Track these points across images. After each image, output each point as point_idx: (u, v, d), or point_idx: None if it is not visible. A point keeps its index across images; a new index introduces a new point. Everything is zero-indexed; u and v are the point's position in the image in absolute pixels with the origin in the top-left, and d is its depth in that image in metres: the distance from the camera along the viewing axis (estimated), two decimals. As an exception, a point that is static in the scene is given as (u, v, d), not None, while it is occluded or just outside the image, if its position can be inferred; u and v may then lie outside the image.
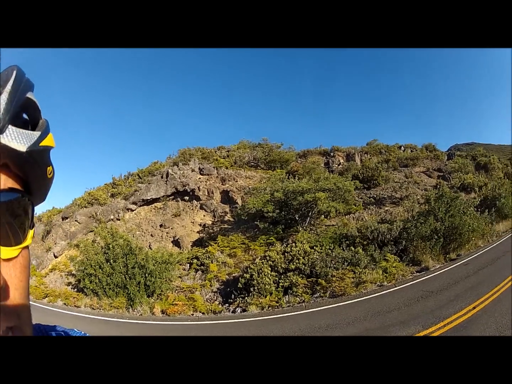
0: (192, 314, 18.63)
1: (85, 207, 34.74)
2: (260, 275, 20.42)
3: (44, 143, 0.93)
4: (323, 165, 51.35)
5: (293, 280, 19.87)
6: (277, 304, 18.21)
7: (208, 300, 21.17)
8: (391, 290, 17.63)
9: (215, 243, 28.57)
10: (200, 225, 34.58)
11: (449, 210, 24.41)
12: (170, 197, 37.85)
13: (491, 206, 32.39)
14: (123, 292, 20.29)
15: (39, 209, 40.45)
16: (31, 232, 0.95)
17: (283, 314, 16.55)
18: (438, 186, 38.86)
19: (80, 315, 18.93)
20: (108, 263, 20.70)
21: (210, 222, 34.92)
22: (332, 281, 18.85)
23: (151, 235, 32.57)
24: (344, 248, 22.39)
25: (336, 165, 51.10)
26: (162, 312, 19.01)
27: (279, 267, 21.27)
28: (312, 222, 30.22)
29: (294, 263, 21.24)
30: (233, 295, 20.57)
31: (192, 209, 36.77)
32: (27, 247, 0.94)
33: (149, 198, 36.33)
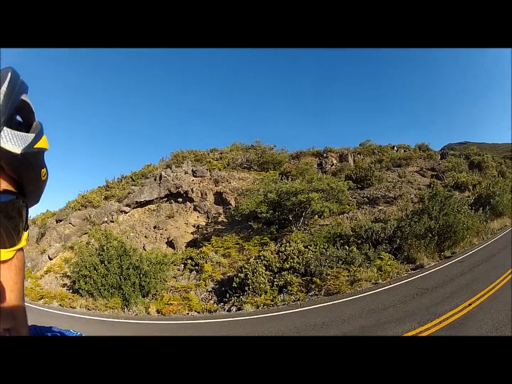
0: (188, 313, 18.64)
1: (79, 209, 34.66)
2: (255, 274, 20.49)
3: (38, 145, 0.94)
4: (316, 166, 51.55)
5: (288, 279, 19.91)
6: (272, 303, 18.25)
7: (203, 300, 21.19)
8: (386, 287, 17.72)
9: (209, 243, 28.63)
10: (194, 226, 34.67)
11: (443, 209, 24.56)
12: (163, 199, 37.88)
13: (486, 204, 32.56)
14: (118, 293, 20.27)
15: (33, 212, 40.32)
16: (25, 234, 0.96)
17: (278, 313, 16.58)
18: (432, 185, 39.11)
19: (76, 316, 18.92)
20: (103, 264, 20.71)
21: (204, 223, 35.01)
22: (327, 280, 18.94)
23: (145, 236, 32.59)
24: (338, 247, 22.49)
25: (329, 166, 51.35)
26: (157, 311, 19.01)
27: (274, 267, 21.34)
28: (306, 222, 30.39)
29: (289, 262, 21.31)
30: (228, 294, 20.59)
31: (186, 211, 36.86)
32: (21, 249, 0.94)
33: (142, 200, 36.32)
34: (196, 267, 25.59)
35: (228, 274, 23.60)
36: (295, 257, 21.53)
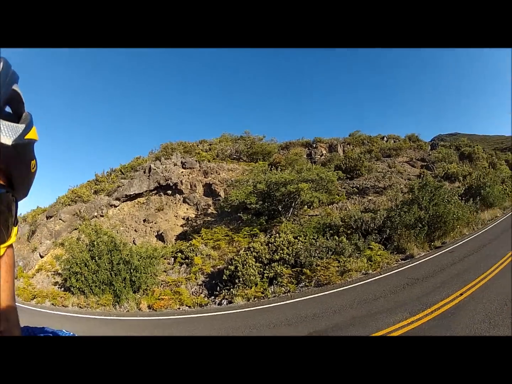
0: (179, 308, 18.64)
1: (69, 205, 34.49)
2: (245, 266, 20.52)
3: (28, 136, 0.92)
4: (305, 156, 51.45)
5: (278, 271, 19.96)
6: (263, 295, 18.29)
7: (194, 293, 21.19)
8: (377, 278, 17.75)
9: (199, 236, 28.67)
10: (183, 218, 34.61)
11: (433, 199, 24.72)
12: (153, 192, 37.78)
13: (476, 195, 32.78)
14: (109, 289, 20.22)
15: (24, 209, 40.27)
16: (15, 230, 0.94)
17: (269, 305, 16.58)
18: (422, 176, 39.30)
19: (68, 315, 18.85)
20: (93, 260, 20.60)
21: (194, 215, 34.99)
22: (317, 270, 19.02)
23: (135, 230, 32.52)
24: (328, 238, 22.52)
25: (319, 156, 51.28)
26: (149, 307, 18.98)
27: (264, 258, 21.37)
28: (296, 212, 30.46)
29: (278, 253, 21.32)
30: (218, 287, 20.65)
31: (175, 203, 36.80)
32: (11, 245, 0.92)
33: (132, 193, 36.22)
34: (186, 260, 25.61)
35: (218, 267, 23.62)
36: (284, 248, 21.55)
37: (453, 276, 15.59)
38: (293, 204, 29.52)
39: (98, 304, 19.60)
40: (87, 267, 20.51)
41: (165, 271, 24.17)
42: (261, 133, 59.47)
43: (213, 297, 20.05)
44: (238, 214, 29.43)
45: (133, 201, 36.93)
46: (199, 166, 41.68)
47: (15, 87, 0.90)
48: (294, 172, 30.72)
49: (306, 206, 31.11)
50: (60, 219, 32.19)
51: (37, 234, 31.38)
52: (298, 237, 22.93)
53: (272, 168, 35.14)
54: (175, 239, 31.04)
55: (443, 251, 21.40)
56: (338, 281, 17.96)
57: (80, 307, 19.83)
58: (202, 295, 20.70)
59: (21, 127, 0.88)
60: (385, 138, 64.99)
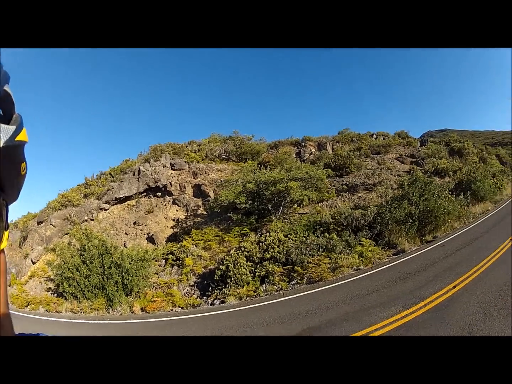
0: (172, 310, 18.68)
1: (59, 209, 34.34)
2: (236, 266, 20.59)
3: (19, 138, 0.90)
4: (294, 155, 51.71)
5: (269, 269, 20.05)
6: (255, 294, 18.37)
7: (186, 294, 21.24)
8: (369, 273, 17.87)
9: (189, 237, 28.68)
10: (173, 220, 34.65)
11: (423, 194, 24.91)
12: (142, 194, 37.71)
13: (467, 189, 33.15)
14: (102, 293, 20.18)
15: (15, 215, 40.18)
16: (6, 234, 0.93)
17: (261, 303, 16.63)
18: (412, 172, 39.56)
19: (62, 321, 18.75)
20: (85, 264, 20.55)
21: (184, 217, 35.00)
22: (309, 268, 19.06)
23: (126, 233, 32.46)
24: (319, 235, 22.60)
25: (308, 155, 51.56)
26: (142, 309, 18.98)
27: (255, 257, 21.44)
28: (285, 211, 30.56)
29: (269, 252, 21.39)
30: (210, 288, 20.68)
31: (165, 205, 36.78)
32: (2, 250, 0.92)
33: (121, 196, 36.16)
34: (177, 261, 25.65)
35: (209, 267, 23.67)
36: (275, 246, 21.59)
37: (445, 269, 15.68)
38: (283, 203, 29.61)
39: (92, 308, 19.56)
40: (79, 272, 20.43)
41: (156, 273, 24.17)
42: (250, 133, 59.66)
43: (205, 297, 20.07)
44: (228, 214, 29.53)
45: (123, 204, 36.86)
46: (188, 167, 41.71)
47: (6, 87, 0.88)
48: (283, 171, 30.80)
49: (296, 205, 31.20)
50: (50, 224, 32.04)
51: (28, 240, 31.18)
52: (289, 235, 22.96)
53: (261, 168, 35.29)
54: (165, 241, 31.02)
55: (435, 245, 21.57)
56: (330, 277, 18.06)
57: (74, 312, 19.78)
58: (195, 296, 20.75)
59: (11, 128, 0.87)
60: (375, 136, 65.44)
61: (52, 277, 23.79)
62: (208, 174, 40.79)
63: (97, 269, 20.42)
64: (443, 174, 44.18)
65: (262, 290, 18.44)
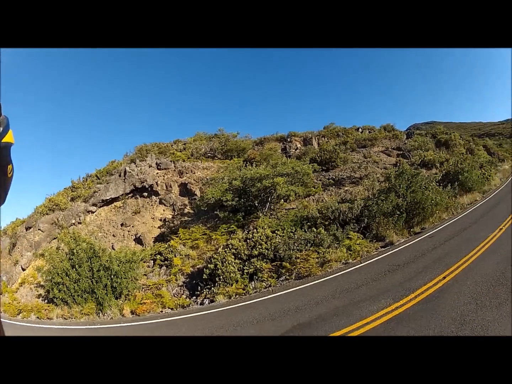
0: (161, 311, 18.69)
1: (47, 214, 34.21)
2: (224, 264, 20.68)
3: (5, 139, 0.91)
4: (280, 150, 52.07)
5: (258, 266, 20.16)
6: (244, 291, 18.43)
7: (176, 295, 21.31)
8: (357, 266, 17.93)
9: (177, 236, 28.79)
10: (160, 220, 34.70)
11: (410, 186, 25.13)
12: (129, 195, 37.69)
13: (454, 181, 33.35)
14: (92, 297, 20.11)
15: (3, 222, 40.04)
16: None
17: (251, 301, 16.65)
18: (398, 164, 39.82)
19: (54, 327, 18.62)
20: (74, 268, 20.47)
21: (170, 216, 35.08)
22: (297, 263, 19.17)
23: (113, 235, 32.43)
24: (306, 230, 22.76)
25: (294, 150, 51.95)
26: (132, 312, 18.97)
27: (242, 254, 21.53)
28: (272, 207, 30.77)
29: (257, 248, 21.49)
30: (199, 287, 20.74)
31: (152, 205, 36.81)
32: None
33: (108, 198, 36.09)
34: (166, 262, 25.70)
35: (198, 266, 23.75)
36: (263, 243, 21.70)
37: (434, 261, 15.70)
38: (269, 199, 29.76)
39: (82, 313, 19.49)
40: (68, 277, 20.34)
41: (145, 275, 24.17)
42: (235, 130, 59.89)
43: (194, 297, 20.14)
44: (215, 212, 29.66)
45: (109, 205, 36.81)
46: (174, 166, 41.75)
47: None
48: (269, 167, 31.01)
49: (282, 200, 31.47)
50: (39, 229, 31.92)
51: (17, 247, 31.07)
52: (276, 231, 23.09)
53: (247, 164, 35.70)
54: (153, 241, 31.04)
55: (423, 236, 21.70)
56: (319, 272, 18.10)
57: (65, 318, 19.71)
58: (184, 296, 20.80)
59: None
60: (360, 129, 65.96)
61: (42, 283, 23.70)
62: (194, 173, 40.81)
63: (86, 272, 20.35)
64: (430, 166, 44.62)
65: (251, 287, 18.51)
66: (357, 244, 20.82)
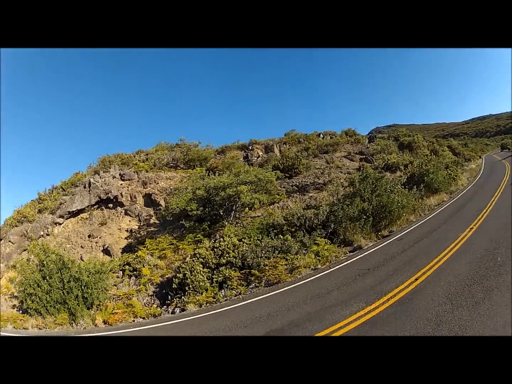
0: (133, 321, 18.77)
1: (16, 226, 33.73)
2: (193, 273, 20.78)
3: None
4: (242, 159, 52.20)
5: (226, 274, 20.33)
6: (214, 300, 18.64)
7: (146, 304, 21.32)
8: (327, 272, 18.18)
9: (144, 247, 28.69)
10: (127, 231, 34.47)
11: (375, 190, 25.45)
12: (94, 207, 37.28)
13: (419, 182, 33.88)
14: (64, 308, 19.99)
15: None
16: None
17: (221, 309, 16.81)
18: (362, 168, 40.19)
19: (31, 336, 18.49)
20: (45, 280, 20.30)
21: (137, 227, 34.91)
22: (266, 270, 19.48)
23: (81, 246, 32.05)
24: (273, 237, 22.93)
25: (256, 158, 52.05)
26: (104, 322, 18.95)
27: (211, 263, 21.66)
28: (237, 215, 30.96)
29: (225, 257, 21.68)
30: (169, 296, 20.85)
31: (117, 216, 36.54)
32: None
33: (74, 209, 35.62)
34: (135, 272, 25.58)
35: (166, 276, 23.78)
36: (230, 251, 21.92)
37: (405, 263, 16.02)
38: (234, 207, 30.02)
39: (56, 323, 19.36)
40: (40, 288, 20.16)
41: (115, 285, 24.01)
42: (196, 139, 59.61)
43: (165, 306, 20.24)
44: (181, 222, 29.58)
45: (76, 217, 36.35)
46: (138, 177, 41.49)
47: None
48: (232, 176, 31.26)
49: (247, 208, 31.66)
50: (9, 241, 31.39)
51: (-11, 259, 30.64)
52: (243, 239, 23.31)
53: (210, 173, 35.81)
54: (121, 252, 30.84)
55: (392, 239, 22.17)
56: (288, 278, 18.40)
57: (40, 328, 19.49)
58: (155, 306, 20.83)
59: None
60: (321, 135, 65.96)
61: (15, 294, 23.49)
62: (158, 183, 40.70)
63: (57, 284, 20.22)
64: (394, 169, 45.02)
65: (221, 295, 18.76)
66: (325, 249, 21.15)
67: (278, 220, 25.46)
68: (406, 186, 30.69)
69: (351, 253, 20.81)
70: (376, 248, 20.81)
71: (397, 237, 22.43)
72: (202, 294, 19.40)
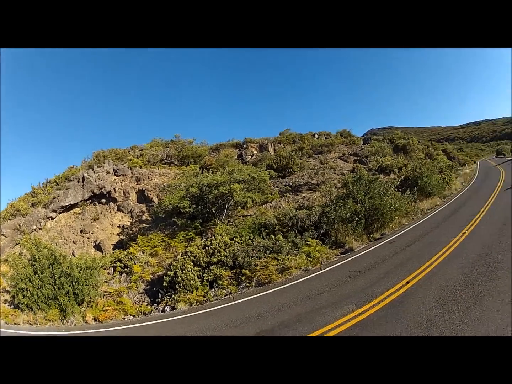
0: (124, 318, 18.72)
1: (9, 219, 33.64)
2: (184, 271, 20.75)
3: None
4: (236, 157, 52.32)
5: (217, 273, 20.31)
6: (205, 299, 18.59)
7: (137, 302, 21.31)
8: (318, 273, 18.20)
9: (136, 243, 28.66)
10: (119, 227, 34.49)
11: (368, 192, 25.48)
12: (87, 201, 37.28)
13: (413, 186, 33.64)
14: (55, 304, 19.92)
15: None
16: None
17: (212, 308, 16.78)
18: (355, 170, 40.19)
19: (19, 333, 18.35)
20: (36, 275, 20.23)
21: (129, 223, 34.89)
22: (256, 270, 19.47)
23: (73, 241, 31.99)
24: (264, 237, 22.94)
25: (250, 156, 52.19)
26: (95, 319, 18.93)
27: (202, 262, 21.65)
28: (230, 214, 31.05)
29: (216, 256, 21.67)
30: (160, 294, 20.80)
31: (110, 211, 36.52)
32: None
33: (67, 204, 35.57)
34: (126, 269, 25.55)
35: (157, 274, 23.78)
36: (221, 250, 21.92)
37: (396, 266, 16.04)
38: (226, 206, 30.13)
39: (46, 319, 19.32)
40: (32, 283, 20.11)
41: (106, 282, 23.98)
42: (191, 136, 59.58)
43: (155, 304, 20.20)
44: (173, 219, 29.66)
45: (69, 212, 36.28)
46: (131, 173, 41.51)
47: None
48: (226, 174, 31.30)
49: (240, 207, 31.68)
50: (2, 234, 31.37)
51: (-18, 253, 30.50)
52: (234, 238, 23.36)
53: (203, 171, 35.86)
54: (112, 248, 30.83)
55: (383, 242, 22.20)
56: (279, 279, 18.42)
57: (31, 324, 19.46)
58: (145, 303, 20.82)
59: None
60: (316, 135, 66.05)
61: (7, 288, 23.38)
62: (151, 179, 40.68)
63: (48, 279, 20.15)
64: (388, 171, 45.18)
65: (211, 295, 18.73)
66: (317, 250, 21.16)
67: (270, 219, 25.50)
68: (400, 189, 30.80)
69: (343, 255, 20.84)
70: (367, 250, 20.85)
71: (389, 240, 22.48)
72: (192, 292, 19.40)
